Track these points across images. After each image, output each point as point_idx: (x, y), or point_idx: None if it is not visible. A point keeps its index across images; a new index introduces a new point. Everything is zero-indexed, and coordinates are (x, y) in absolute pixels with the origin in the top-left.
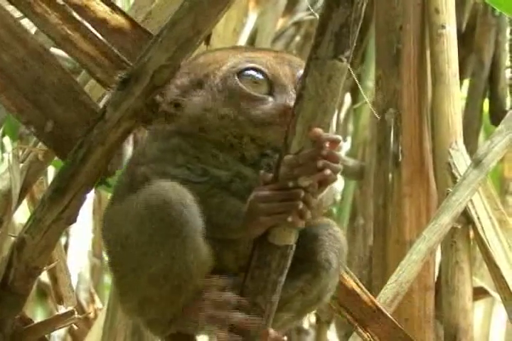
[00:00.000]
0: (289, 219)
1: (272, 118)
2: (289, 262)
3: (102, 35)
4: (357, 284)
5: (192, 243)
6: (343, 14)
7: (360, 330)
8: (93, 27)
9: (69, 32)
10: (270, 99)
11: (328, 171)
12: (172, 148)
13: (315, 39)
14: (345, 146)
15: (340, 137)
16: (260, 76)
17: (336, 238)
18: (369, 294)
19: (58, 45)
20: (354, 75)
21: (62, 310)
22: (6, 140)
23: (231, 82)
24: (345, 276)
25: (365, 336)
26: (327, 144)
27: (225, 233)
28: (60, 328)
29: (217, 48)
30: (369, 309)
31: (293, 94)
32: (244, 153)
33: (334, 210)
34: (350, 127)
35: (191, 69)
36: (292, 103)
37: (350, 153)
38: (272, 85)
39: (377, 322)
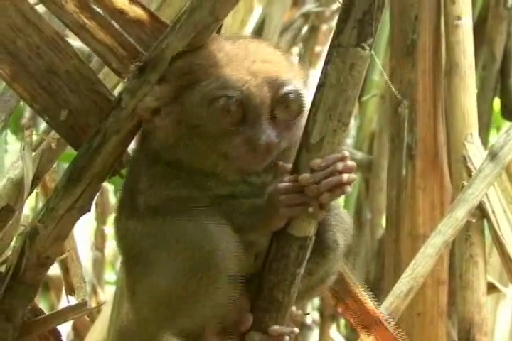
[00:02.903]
0: (310, 209)
1: (241, 154)
2: (308, 253)
3: (119, 25)
4: (361, 291)
5: (226, 289)
6: (366, 1)
7: (364, 336)
8: (111, 17)
9: (85, 21)
10: (242, 129)
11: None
12: (160, 174)
13: (337, 26)
14: (349, 140)
15: (346, 152)
16: (234, 105)
17: (342, 218)
18: (372, 304)
19: (75, 34)
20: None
21: (72, 301)
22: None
23: (202, 112)
24: (352, 283)
25: None
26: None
27: (247, 232)
28: (71, 319)
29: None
30: (373, 317)
31: (266, 124)
32: (227, 179)
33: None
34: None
35: (173, 75)
36: (263, 137)
37: (356, 146)
38: (246, 114)
39: (381, 330)
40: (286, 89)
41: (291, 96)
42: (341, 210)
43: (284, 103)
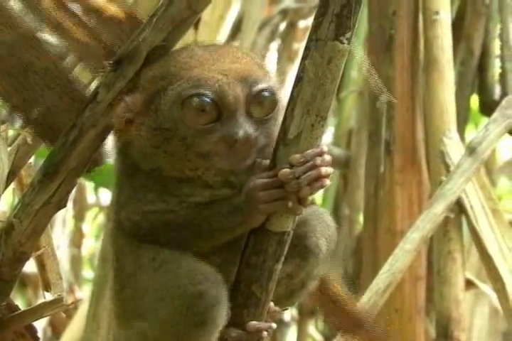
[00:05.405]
0: (289, 204)
1: (219, 149)
2: (286, 249)
3: (97, 23)
4: (344, 293)
5: (210, 336)
6: None
7: (347, 336)
8: (88, 15)
9: (62, 19)
10: (218, 126)
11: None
12: (139, 185)
13: (315, 20)
14: (328, 137)
15: (324, 147)
16: (208, 103)
17: (327, 225)
18: (355, 305)
19: (51, 32)
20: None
21: (49, 297)
22: None
23: (176, 113)
24: (335, 284)
25: None
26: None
27: (230, 232)
28: (48, 316)
29: (174, 51)
30: (355, 318)
31: (242, 120)
32: (207, 182)
33: (318, 200)
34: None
35: (145, 84)
36: (241, 132)
37: (335, 143)
38: (221, 111)
39: (363, 330)
40: (260, 86)
41: (265, 92)
42: (327, 216)
43: (257, 99)
